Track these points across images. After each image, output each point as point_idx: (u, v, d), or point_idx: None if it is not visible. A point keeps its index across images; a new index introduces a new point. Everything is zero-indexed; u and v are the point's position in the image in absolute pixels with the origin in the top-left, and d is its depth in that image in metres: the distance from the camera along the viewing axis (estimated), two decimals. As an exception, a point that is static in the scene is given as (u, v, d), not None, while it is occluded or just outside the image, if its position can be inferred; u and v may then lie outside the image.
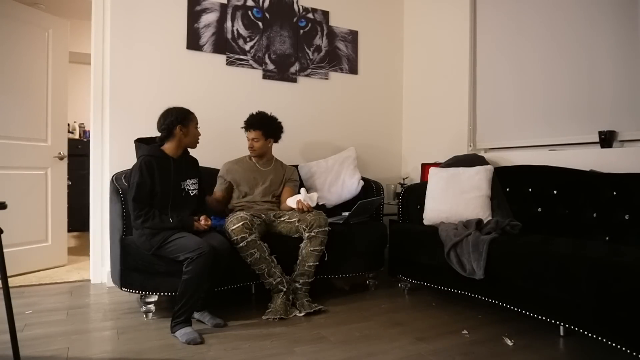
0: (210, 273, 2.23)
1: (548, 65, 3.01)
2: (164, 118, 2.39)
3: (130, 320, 2.43)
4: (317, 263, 2.65)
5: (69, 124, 4.57)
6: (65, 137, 3.72)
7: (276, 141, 3.03)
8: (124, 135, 3.04)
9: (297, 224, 2.69)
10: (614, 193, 2.37)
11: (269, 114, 2.98)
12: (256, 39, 3.56)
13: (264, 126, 2.92)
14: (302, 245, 2.65)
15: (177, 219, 2.31)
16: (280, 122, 3.00)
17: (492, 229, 2.49)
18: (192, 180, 2.48)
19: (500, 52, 3.36)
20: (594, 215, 2.44)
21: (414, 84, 4.13)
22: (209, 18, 3.40)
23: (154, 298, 2.46)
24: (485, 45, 3.48)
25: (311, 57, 3.79)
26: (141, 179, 2.26)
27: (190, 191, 2.46)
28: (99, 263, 3.20)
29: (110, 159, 3.12)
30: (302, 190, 2.85)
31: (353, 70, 3.99)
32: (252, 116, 2.96)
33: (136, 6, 3.17)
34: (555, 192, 2.67)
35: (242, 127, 2.97)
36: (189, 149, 2.53)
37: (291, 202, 2.81)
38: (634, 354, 1.73)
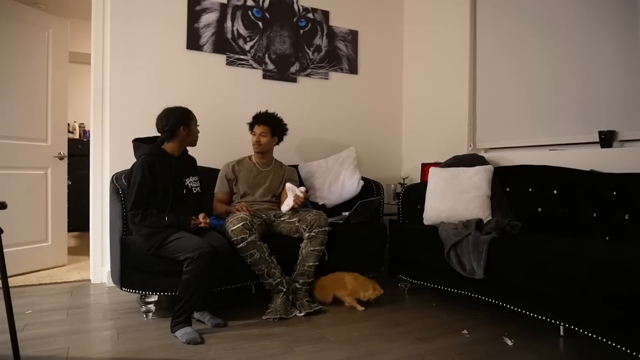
0: (210, 273, 2.23)
1: (548, 65, 3.01)
2: (166, 119, 2.38)
3: (130, 320, 2.43)
4: (317, 263, 2.65)
5: (69, 124, 4.57)
6: (65, 137, 3.72)
7: (280, 141, 3.04)
8: (124, 135, 3.04)
9: (297, 224, 2.69)
10: (614, 193, 2.37)
11: (277, 114, 3.02)
12: (256, 38, 3.56)
13: (273, 123, 2.96)
14: (302, 245, 2.65)
15: (173, 217, 2.30)
16: (286, 124, 3.04)
17: (492, 228, 2.49)
18: (193, 177, 2.50)
19: (500, 51, 3.36)
20: (594, 215, 2.44)
21: (414, 84, 4.13)
22: (209, 18, 3.40)
23: (154, 298, 2.46)
24: (485, 45, 3.48)
25: (311, 57, 3.78)
26: (143, 178, 2.26)
27: (193, 188, 2.47)
28: (99, 263, 3.20)
29: (110, 159, 3.12)
30: (287, 184, 2.81)
31: (353, 70, 3.99)
32: (261, 113, 3.00)
33: (136, 6, 3.17)
34: (555, 192, 2.67)
35: (248, 123, 3.00)
36: (189, 147, 2.53)
37: (285, 207, 2.75)
38: (634, 354, 1.73)
